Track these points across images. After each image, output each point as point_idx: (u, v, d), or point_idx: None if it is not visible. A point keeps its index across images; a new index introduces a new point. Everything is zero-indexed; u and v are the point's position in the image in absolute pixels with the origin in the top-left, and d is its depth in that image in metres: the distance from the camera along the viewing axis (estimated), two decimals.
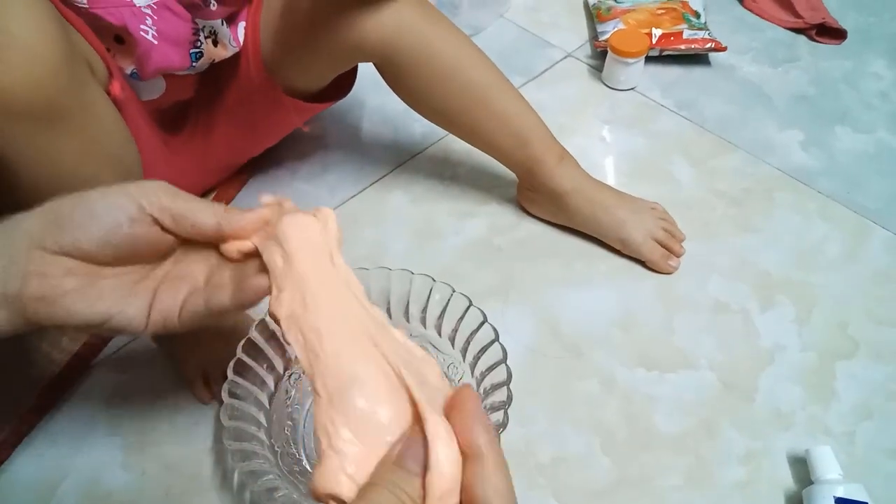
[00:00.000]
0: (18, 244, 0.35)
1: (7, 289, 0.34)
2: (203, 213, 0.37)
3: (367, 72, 0.75)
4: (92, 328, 0.36)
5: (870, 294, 0.76)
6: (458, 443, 0.27)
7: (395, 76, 0.73)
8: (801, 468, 0.62)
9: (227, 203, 0.85)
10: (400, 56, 0.69)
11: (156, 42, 0.60)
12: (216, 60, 0.68)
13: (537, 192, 0.79)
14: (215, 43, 0.67)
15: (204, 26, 0.65)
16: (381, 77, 0.74)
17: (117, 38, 0.60)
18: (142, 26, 0.59)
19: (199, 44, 0.64)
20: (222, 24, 0.67)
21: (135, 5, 0.58)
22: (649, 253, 0.77)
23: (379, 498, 0.26)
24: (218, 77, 0.74)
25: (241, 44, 0.71)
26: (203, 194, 0.84)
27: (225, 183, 0.86)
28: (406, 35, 0.68)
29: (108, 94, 0.58)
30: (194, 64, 0.65)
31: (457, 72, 0.71)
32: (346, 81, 0.79)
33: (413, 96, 0.75)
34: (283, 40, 0.70)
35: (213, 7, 0.65)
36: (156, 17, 0.60)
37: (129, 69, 0.62)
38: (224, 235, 0.38)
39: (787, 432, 0.66)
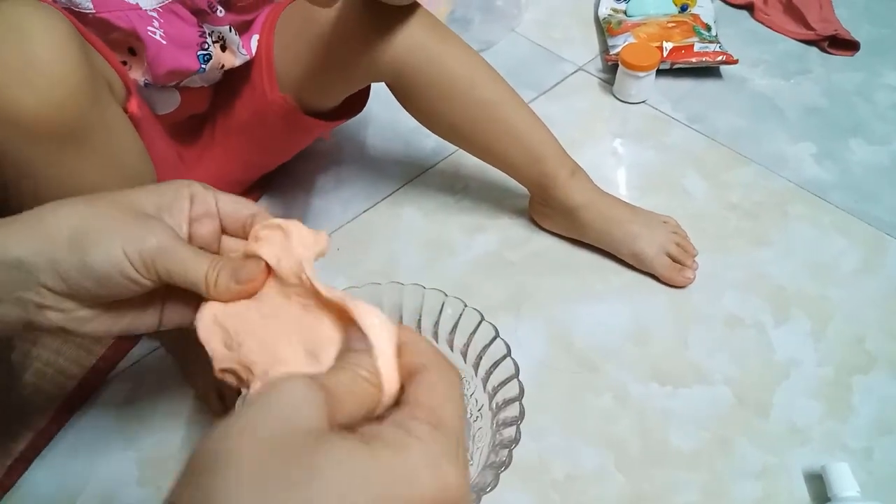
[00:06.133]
0: (17, 277, 0.34)
1: (29, 315, 0.35)
2: (196, 278, 0.35)
3: (379, 87, 0.76)
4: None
5: (886, 308, 0.76)
6: (402, 362, 0.29)
7: (407, 95, 0.74)
8: (818, 485, 0.62)
9: None
10: (411, 76, 0.70)
11: (164, 42, 0.61)
12: (225, 66, 0.69)
13: (549, 207, 0.80)
14: (223, 48, 0.68)
15: (211, 31, 0.66)
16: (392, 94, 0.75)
17: (130, 51, 0.61)
18: (149, 28, 0.60)
19: (206, 46, 0.65)
20: (230, 30, 0.68)
21: (141, 8, 0.59)
22: (662, 268, 0.77)
23: (339, 375, 0.27)
24: (233, 91, 0.75)
25: (253, 54, 0.72)
26: None
27: None
28: (417, 55, 0.69)
29: (126, 111, 0.59)
30: (203, 66, 0.65)
31: (468, 90, 0.72)
32: (359, 99, 0.80)
33: (425, 115, 0.76)
34: (296, 60, 0.71)
35: (221, 14, 0.66)
36: (162, 20, 0.61)
37: (142, 80, 0.63)
38: (212, 298, 0.35)
39: (804, 448, 0.65)
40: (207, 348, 0.34)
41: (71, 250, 0.33)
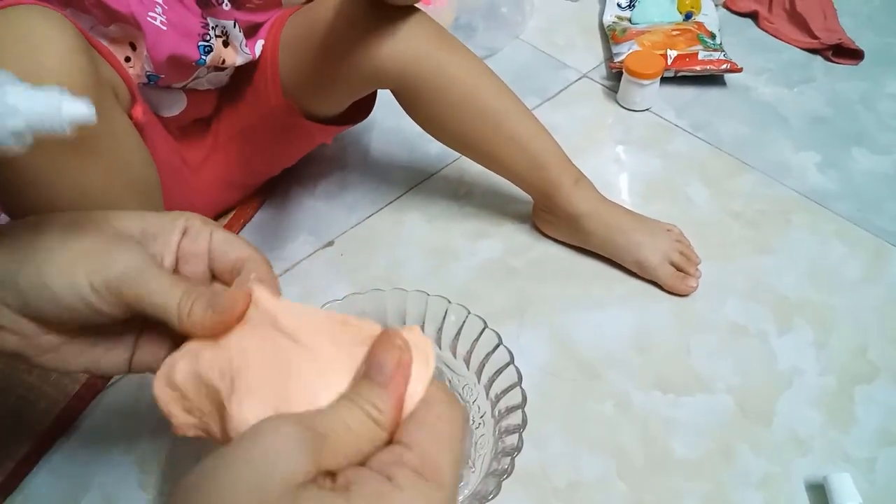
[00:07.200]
0: None
1: None
2: (166, 307, 0.30)
3: (384, 93, 0.76)
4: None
5: (890, 317, 0.76)
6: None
7: (412, 102, 0.74)
8: (820, 495, 0.61)
9: (245, 222, 0.86)
10: (415, 83, 0.70)
11: (164, 28, 0.61)
12: (226, 62, 0.69)
13: (553, 215, 0.80)
14: (226, 44, 0.68)
15: (215, 25, 0.67)
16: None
17: (132, 46, 0.61)
18: (150, 14, 0.60)
19: (208, 38, 0.65)
20: (234, 26, 0.68)
21: None
22: (665, 276, 0.77)
23: (341, 411, 0.25)
24: (237, 96, 0.76)
25: (256, 57, 0.72)
26: (221, 214, 0.85)
27: (243, 203, 0.87)
28: (421, 62, 0.69)
29: (131, 117, 0.59)
30: (204, 58, 0.65)
31: (472, 98, 0.72)
32: (365, 105, 0.80)
33: (429, 122, 0.76)
34: (300, 66, 0.72)
35: (226, 7, 0.66)
36: (166, 7, 0.61)
37: (146, 71, 0.63)
38: (185, 332, 0.31)
39: (806, 458, 0.65)
40: (164, 411, 0.31)
41: (35, 269, 0.31)
